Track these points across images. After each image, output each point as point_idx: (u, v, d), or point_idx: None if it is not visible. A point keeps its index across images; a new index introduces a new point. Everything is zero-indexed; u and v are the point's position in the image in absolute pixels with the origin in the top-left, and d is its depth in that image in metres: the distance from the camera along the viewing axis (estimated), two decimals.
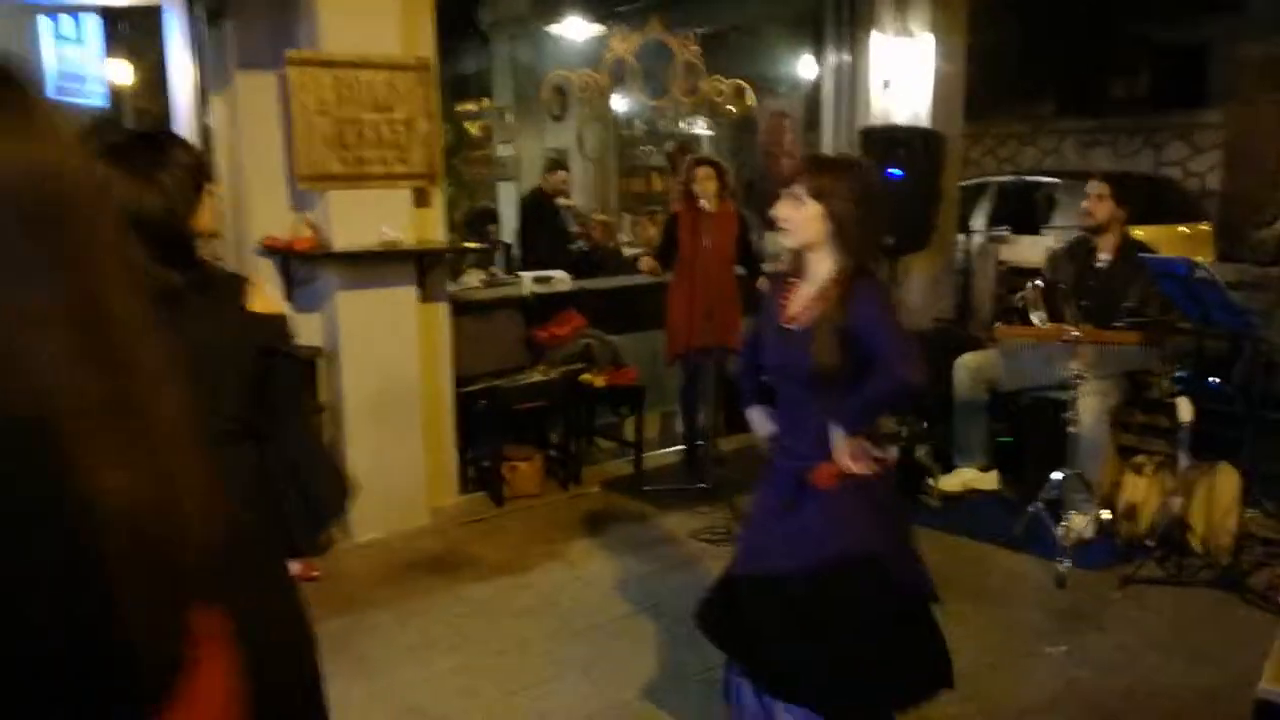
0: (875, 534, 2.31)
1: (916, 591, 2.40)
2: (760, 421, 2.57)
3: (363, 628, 3.65)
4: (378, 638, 3.58)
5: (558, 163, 7.99)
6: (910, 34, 6.35)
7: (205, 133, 4.24)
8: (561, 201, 7.71)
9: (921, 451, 5.00)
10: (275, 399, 1.85)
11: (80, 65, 7.32)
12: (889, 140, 6.05)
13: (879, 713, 2.39)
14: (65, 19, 7.18)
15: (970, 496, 4.89)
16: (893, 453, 2.40)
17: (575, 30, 7.44)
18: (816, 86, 6.88)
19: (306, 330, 4.48)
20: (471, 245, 5.85)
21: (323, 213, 4.36)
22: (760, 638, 2.34)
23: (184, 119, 4.06)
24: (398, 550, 4.39)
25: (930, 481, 4.88)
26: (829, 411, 2.26)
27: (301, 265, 4.44)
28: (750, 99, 5.87)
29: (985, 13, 7.19)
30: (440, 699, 3.16)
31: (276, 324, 1.87)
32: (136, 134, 1.96)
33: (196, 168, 1.79)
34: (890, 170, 5.95)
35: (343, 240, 4.31)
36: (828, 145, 6.65)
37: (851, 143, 6.48)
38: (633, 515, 4.79)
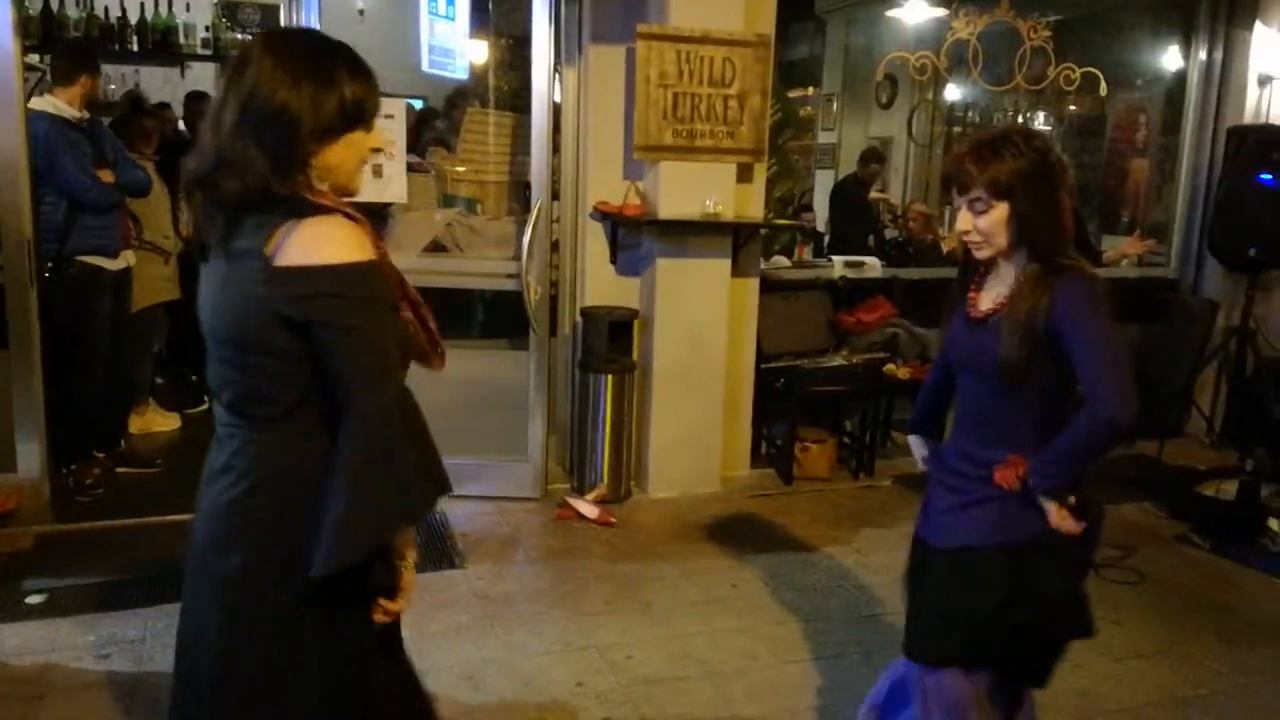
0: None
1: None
2: (917, 447, 2.41)
3: (650, 576, 3.83)
4: (664, 588, 3.73)
5: (875, 154, 7.83)
6: None
7: (555, 108, 4.51)
8: (873, 195, 7.55)
9: (1267, 491, 4.47)
10: (330, 382, 1.47)
11: (449, 40, 8.10)
12: (1263, 142, 5.45)
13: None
14: None
15: None
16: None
17: (915, 13, 7.22)
18: (1180, 81, 6.27)
19: (626, 293, 4.74)
20: (787, 222, 5.87)
21: (652, 182, 4.56)
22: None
23: (540, 93, 4.35)
24: (688, 510, 4.54)
25: (1273, 525, 4.35)
26: (1009, 429, 2.04)
27: (628, 231, 4.67)
28: (1103, 90, 5.45)
29: None
30: (719, 653, 3.25)
31: (299, 282, 1.43)
32: (314, 33, 1.63)
33: (356, 104, 1.51)
34: (1261, 175, 5.35)
35: (667, 209, 4.48)
36: (1188, 145, 6.07)
37: (1216, 143, 5.88)
38: None
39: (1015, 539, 2.01)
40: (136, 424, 5.17)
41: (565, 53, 4.57)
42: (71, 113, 4.16)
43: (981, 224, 1.99)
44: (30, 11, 5.86)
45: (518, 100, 5.02)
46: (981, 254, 2.04)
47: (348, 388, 1.45)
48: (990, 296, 2.07)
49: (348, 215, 1.51)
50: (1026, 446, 2.01)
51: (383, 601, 1.61)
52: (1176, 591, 3.86)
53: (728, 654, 3.26)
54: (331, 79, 1.49)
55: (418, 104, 6.22)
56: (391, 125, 4.41)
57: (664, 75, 4.38)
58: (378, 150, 1.64)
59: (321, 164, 1.52)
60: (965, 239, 2.04)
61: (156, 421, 5.39)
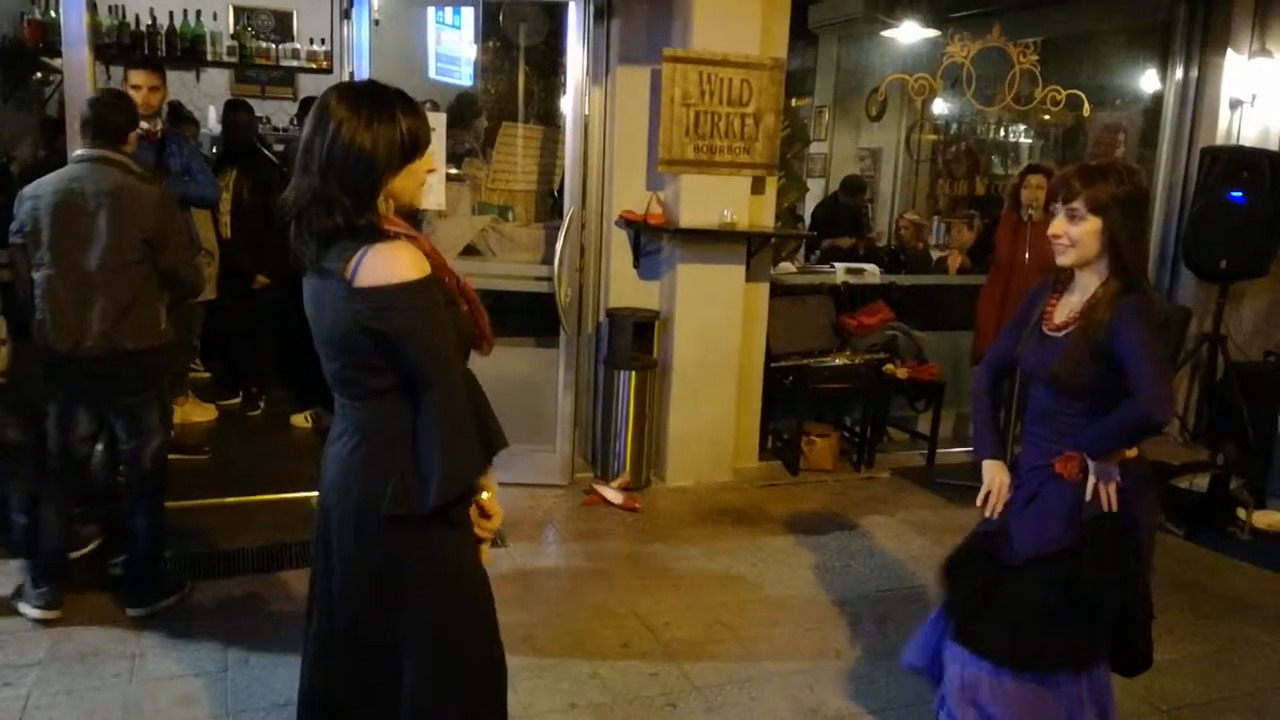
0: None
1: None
2: (1000, 473, 2.52)
3: (676, 555, 4.18)
4: (689, 565, 4.09)
5: (858, 184, 8.09)
6: (1269, 54, 6.07)
7: (585, 121, 4.84)
8: (840, 242, 7.61)
9: (1236, 484, 4.88)
10: (408, 370, 1.83)
11: (455, 49, 8.41)
12: (1233, 162, 5.86)
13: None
14: (448, 8, 8.28)
15: None
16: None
17: (909, 34, 7.62)
18: (1157, 102, 6.69)
19: (647, 296, 5.08)
20: (795, 232, 6.23)
21: (673, 193, 4.91)
22: (985, 604, 2.43)
23: (573, 109, 4.70)
24: (703, 498, 4.89)
25: (1241, 514, 4.77)
26: (1070, 428, 2.32)
27: (650, 238, 5.02)
28: (1086, 110, 5.86)
29: None
30: (745, 621, 3.61)
31: (375, 300, 1.77)
32: (372, 84, 1.92)
33: (410, 135, 1.83)
34: (1232, 193, 5.77)
35: (687, 219, 4.84)
36: (1164, 163, 6.49)
37: (1190, 162, 6.30)
38: (923, 504, 5.01)
39: (1078, 522, 2.31)
40: (176, 415, 5.44)
41: (593, 72, 4.90)
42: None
43: (1074, 231, 2.28)
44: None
45: (526, 109, 5.38)
46: (1064, 259, 2.33)
47: (423, 375, 1.81)
48: (1065, 309, 2.37)
49: (410, 237, 1.85)
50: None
51: (481, 522, 2.00)
52: (1154, 573, 4.23)
53: (753, 622, 3.62)
54: (393, 119, 1.81)
55: None
56: (433, 137, 4.74)
57: (687, 95, 4.74)
58: (432, 171, 1.99)
59: (389, 191, 1.85)
60: (1055, 242, 2.34)
61: (195, 413, 5.68)
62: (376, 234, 1.82)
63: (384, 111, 1.82)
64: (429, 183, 4.04)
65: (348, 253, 1.79)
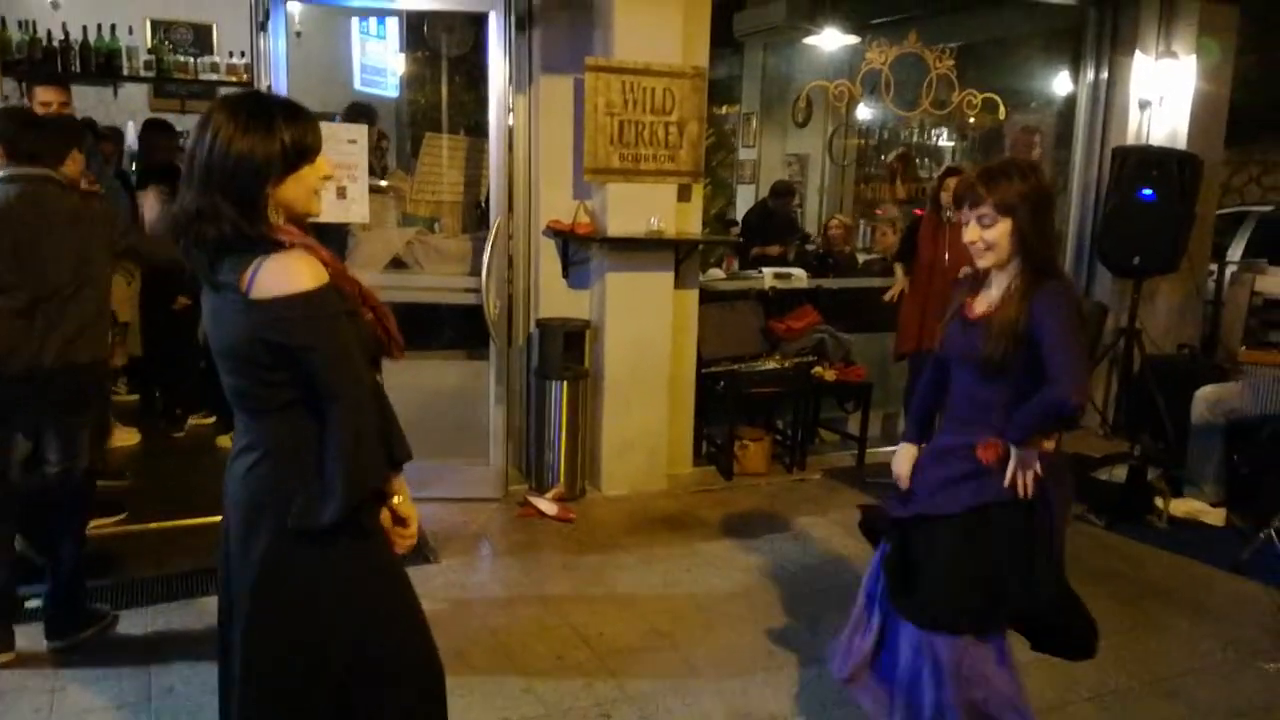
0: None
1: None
2: (906, 462, 2.70)
3: (612, 565, 4.18)
4: (625, 574, 4.09)
5: (787, 188, 8.20)
6: (1174, 55, 6.28)
7: (509, 131, 4.83)
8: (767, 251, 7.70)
9: (1153, 474, 5.03)
10: (311, 382, 1.80)
11: (380, 59, 8.32)
12: (1143, 161, 6.04)
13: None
14: (372, 19, 8.18)
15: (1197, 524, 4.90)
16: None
17: (830, 41, 7.74)
18: (1070, 103, 6.89)
19: (577, 305, 5.08)
20: (722, 238, 6.28)
21: (600, 202, 4.92)
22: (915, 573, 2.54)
23: (497, 119, 4.67)
24: (639, 506, 4.90)
25: (1159, 503, 4.91)
26: (988, 412, 2.42)
27: (579, 247, 5.02)
28: (1002, 113, 6.01)
29: (1257, 34, 6.96)
30: (681, 628, 3.63)
31: (272, 312, 1.75)
32: (256, 93, 1.88)
33: (294, 142, 1.81)
34: (1142, 191, 5.95)
35: (615, 227, 4.85)
36: (1078, 163, 6.68)
37: (1103, 162, 6.49)
38: (854, 503, 4.99)
39: (992, 500, 2.41)
40: None
41: (516, 81, 4.89)
42: None
43: (988, 235, 2.40)
44: None
45: (451, 119, 5.35)
46: (983, 261, 2.45)
47: (326, 386, 1.78)
48: (984, 301, 2.49)
49: (305, 246, 1.82)
50: (1002, 429, 2.41)
51: (398, 530, 1.98)
52: (1076, 561, 4.28)
53: (688, 628, 3.63)
54: (271, 128, 1.78)
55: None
56: (354, 149, 4.69)
57: (610, 104, 4.75)
58: (328, 177, 1.95)
59: (278, 200, 1.81)
60: (972, 247, 2.45)
61: (118, 436, 5.52)
62: (271, 244, 1.79)
63: (262, 119, 1.80)
64: (351, 195, 4.00)
65: (243, 264, 1.76)
